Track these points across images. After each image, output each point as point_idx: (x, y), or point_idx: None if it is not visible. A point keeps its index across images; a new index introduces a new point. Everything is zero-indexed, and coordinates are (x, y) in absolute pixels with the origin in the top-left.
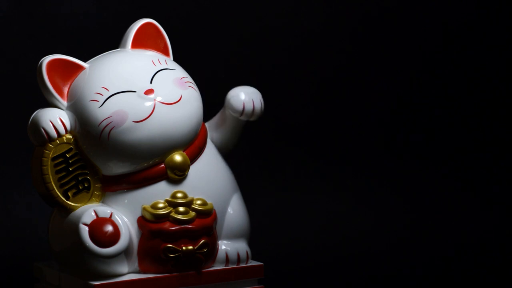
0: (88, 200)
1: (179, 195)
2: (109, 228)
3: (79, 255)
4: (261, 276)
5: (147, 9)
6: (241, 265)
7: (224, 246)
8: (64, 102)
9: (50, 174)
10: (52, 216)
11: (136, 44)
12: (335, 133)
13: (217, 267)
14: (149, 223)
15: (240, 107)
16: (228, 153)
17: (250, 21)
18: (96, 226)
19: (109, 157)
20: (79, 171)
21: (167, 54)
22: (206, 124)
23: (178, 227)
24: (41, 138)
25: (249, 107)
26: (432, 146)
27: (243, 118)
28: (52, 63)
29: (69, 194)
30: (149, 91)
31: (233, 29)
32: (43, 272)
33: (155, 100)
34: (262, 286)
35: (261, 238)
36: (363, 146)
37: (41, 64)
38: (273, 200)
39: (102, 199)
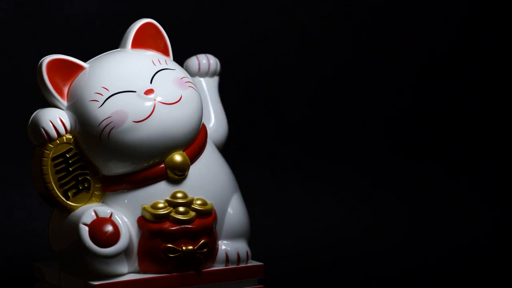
0: (88, 200)
1: (179, 195)
2: (109, 228)
3: (79, 255)
4: (261, 276)
5: (147, 9)
6: (241, 265)
7: (224, 246)
8: (64, 102)
9: (50, 174)
10: (52, 216)
11: (136, 44)
12: (336, 133)
13: (217, 267)
14: (149, 223)
15: (196, 63)
16: (225, 142)
17: (250, 21)
18: (96, 226)
19: (109, 157)
20: (79, 171)
21: (167, 54)
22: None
23: (178, 227)
24: (41, 138)
25: (203, 61)
26: (432, 146)
27: (202, 75)
28: (52, 63)
29: (69, 194)
30: (149, 91)
31: (233, 29)
32: (43, 272)
33: (155, 100)
34: (262, 286)
35: (261, 238)
36: (363, 146)
37: (41, 64)
38: (273, 200)
39: (102, 199)
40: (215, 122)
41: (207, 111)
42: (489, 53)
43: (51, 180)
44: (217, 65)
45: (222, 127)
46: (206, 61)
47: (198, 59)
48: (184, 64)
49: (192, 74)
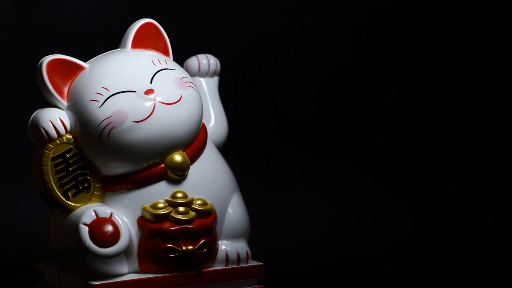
0: (88, 200)
1: (179, 195)
2: (109, 228)
3: (79, 255)
4: (261, 276)
5: (147, 9)
6: (241, 265)
7: (224, 246)
8: (64, 102)
9: (50, 174)
10: (52, 216)
11: (136, 44)
12: (336, 133)
13: (217, 267)
14: (149, 223)
15: (196, 63)
16: (226, 142)
17: (250, 21)
18: (96, 226)
19: (109, 157)
20: (79, 171)
21: (167, 54)
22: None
23: (178, 227)
24: (41, 138)
25: (203, 61)
26: (432, 146)
27: (202, 75)
28: (52, 63)
29: (69, 194)
30: (149, 91)
31: (233, 29)
32: (43, 272)
33: (155, 100)
34: (262, 286)
35: (261, 238)
36: (363, 146)
37: (41, 64)
38: (273, 200)
39: (102, 199)
40: (215, 122)
41: (207, 111)
42: (489, 53)
43: (51, 180)
44: (217, 65)
45: (222, 127)
46: (206, 61)
47: (198, 59)
48: (184, 64)
49: (192, 74)
